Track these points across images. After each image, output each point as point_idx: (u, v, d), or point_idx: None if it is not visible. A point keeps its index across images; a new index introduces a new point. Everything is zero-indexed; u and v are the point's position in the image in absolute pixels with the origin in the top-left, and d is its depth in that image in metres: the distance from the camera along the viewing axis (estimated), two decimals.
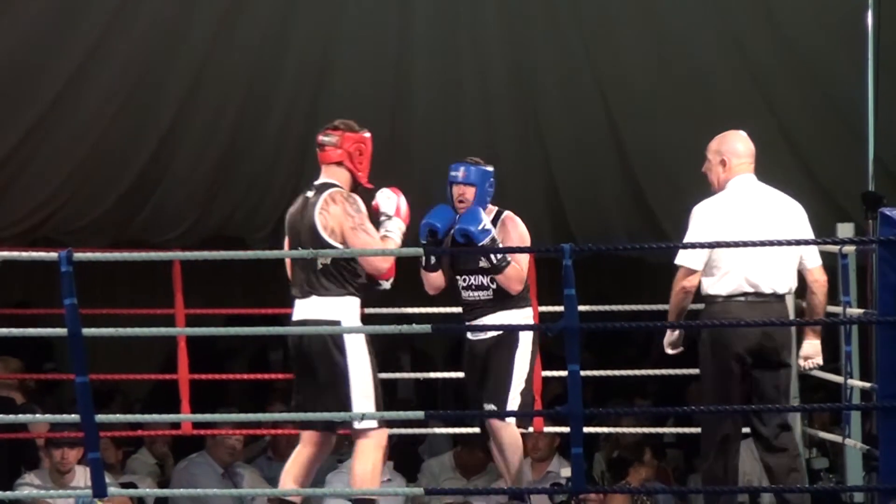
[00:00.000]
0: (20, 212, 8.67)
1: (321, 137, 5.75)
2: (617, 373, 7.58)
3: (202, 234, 9.11)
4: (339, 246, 5.55)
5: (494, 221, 6.16)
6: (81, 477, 7.04)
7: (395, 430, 7.45)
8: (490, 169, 6.21)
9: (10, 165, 8.54)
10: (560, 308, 5.06)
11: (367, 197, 5.76)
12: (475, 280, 6.14)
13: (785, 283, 5.73)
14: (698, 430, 7.68)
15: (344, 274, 5.58)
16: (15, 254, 5.25)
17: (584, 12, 8.66)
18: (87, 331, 4.95)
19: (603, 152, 9.21)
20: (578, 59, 8.82)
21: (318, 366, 5.59)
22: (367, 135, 5.78)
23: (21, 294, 9.97)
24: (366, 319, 7.71)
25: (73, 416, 5.00)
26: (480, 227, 5.96)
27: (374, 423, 5.59)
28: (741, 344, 5.64)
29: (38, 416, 5.23)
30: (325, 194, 5.63)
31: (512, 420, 6.08)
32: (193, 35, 8.46)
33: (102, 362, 7.95)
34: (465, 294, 6.15)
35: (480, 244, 5.94)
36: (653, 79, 8.80)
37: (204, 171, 8.94)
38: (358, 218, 5.58)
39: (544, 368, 6.96)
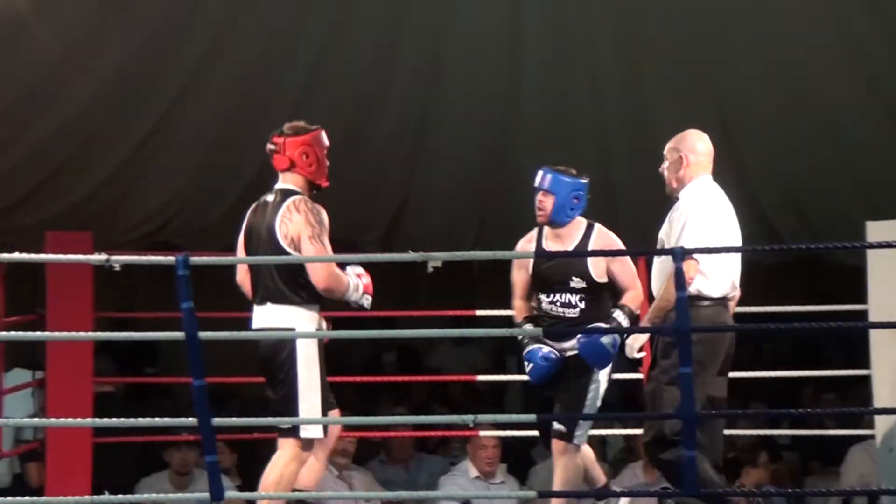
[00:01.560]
0: (138, 217, 8.80)
1: (268, 146, 5.75)
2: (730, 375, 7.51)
3: None
4: (295, 254, 5.54)
5: (587, 235, 6.02)
6: (199, 480, 7.15)
7: (508, 433, 7.47)
8: (581, 181, 6.05)
9: (128, 172, 8.67)
10: None
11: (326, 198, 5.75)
12: (563, 298, 6.03)
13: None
14: (814, 432, 7.63)
15: (299, 282, 5.55)
16: (133, 258, 5.33)
17: (696, 15, 8.59)
18: (203, 334, 5.02)
19: (718, 158, 9.12)
20: (690, 61, 8.75)
21: (270, 372, 5.59)
22: (316, 134, 5.75)
23: (125, 300, 10.12)
24: (476, 321, 7.76)
25: (190, 419, 5.06)
26: (606, 356, 5.86)
27: (319, 433, 5.57)
28: (726, 347, 5.65)
29: (157, 419, 5.30)
30: (289, 201, 5.61)
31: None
32: (306, 42, 8.53)
33: (218, 366, 8.05)
34: (551, 309, 6.05)
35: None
36: (764, 82, 8.71)
37: None
38: (317, 229, 5.55)
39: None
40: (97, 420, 6.36)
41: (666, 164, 5.81)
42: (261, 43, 8.49)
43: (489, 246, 8.69)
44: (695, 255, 5.47)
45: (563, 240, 6.04)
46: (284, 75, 8.62)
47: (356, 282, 5.64)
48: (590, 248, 5.99)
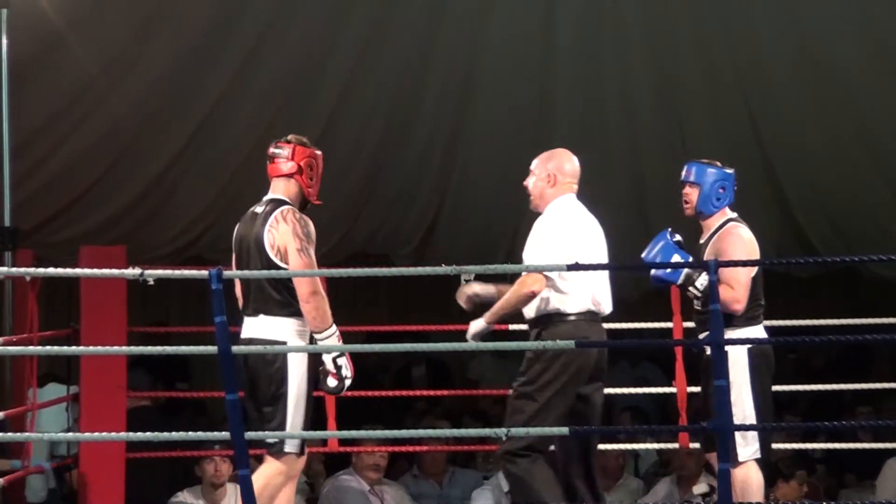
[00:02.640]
0: (171, 232, 8.83)
1: (272, 149, 5.66)
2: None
3: (347, 251, 9.21)
4: (284, 265, 5.46)
5: (718, 229, 5.91)
6: (233, 494, 7.15)
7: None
8: (726, 171, 5.99)
9: (161, 186, 8.71)
10: None
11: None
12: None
13: (610, 304, 5.78)
14: (849, 445, 7.58)
15: (292, 294, 5.46)
16: (167, 272, 5.35)
17: (728, 17, 8.56)
18: (236, 348, 5.03)
19: (749, 164, 9.09)
20: (723, 69, 8.73)
21: (257, 385, 5.47)
22: (319, 153, 5.70)
23: (160, 313, 10.17)
24: (509, 335, 7.74)
25: (223, 433, 5.07)
26: (668, 271, 5.74)
27: (295, 448, 5.47)
28: (589, 363, 5.66)
29: (190, 433, 5.31)
30: (277, 211, 5.55)
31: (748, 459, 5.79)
32: (339, 54, 8.56)
33: None
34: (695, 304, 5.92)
35: (678, 283, 5.75)
36: (797, 89, 8.68)
37: (349, 188, 9.03)
38: (305, 241, 5.48)
39: (689, 384, 6.91)
40: (131, 434, 6.38)
41: (533, 180, 5.88)
42: (292, 59, 8.53)
43: (522, 259, 8.70)
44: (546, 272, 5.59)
45: (705, 232, 6.01)
46: (316, 91, 8.65)
47: (337, 332, 5.50)
48: (710, 243, 5.92)
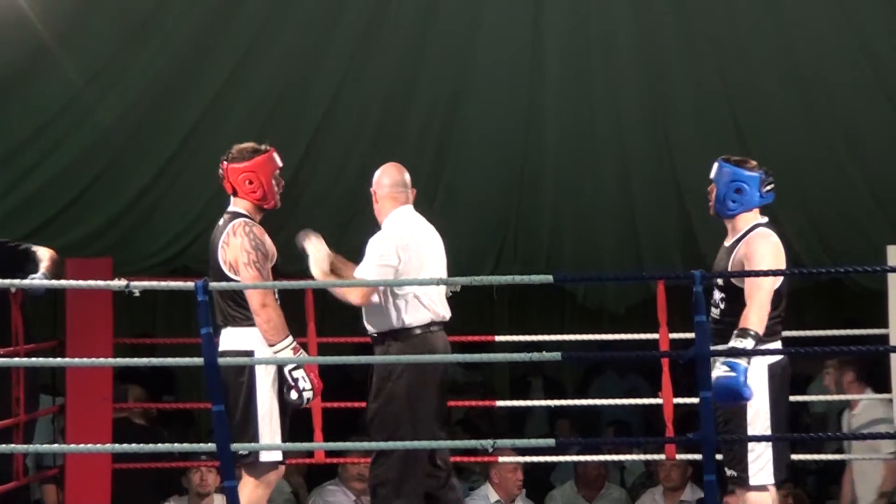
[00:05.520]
0: (158, 243, 8.82)
1: (219, 170, 5.72)
2: None
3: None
4: (236, 279, 5.48)
5: (745, 234, 5.57)
6: None
7: (527, 459, 7.45)
8: (744, 171, 5.64)
9: (148, 197, 8.71)
10: (691, 335, 5.04)
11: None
12: (713, 296, 5.56)
13: (448, 309, 5.86)
14: (835, 456, 7.59)
15: (247, 307, 5.49)
16: (153, 283, 5.35)
17: (717, 31, 8.58)
18: (222, 360, 5.04)
19: None
20: (710, 82, 8.74)
21: (227, 396, 5.43)
22: (260, 159, 5.69)
23: (146, 324, 10.15)
24: (493, 347, 7.75)
25: (209, 444, 5.07)
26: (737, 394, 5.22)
27: (277, 456, 5.49)
28: (439, 374, 5.74)
29: (176, 444, 5.31)
30: (230, 226, 5.58)
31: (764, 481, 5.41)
32: (327, 68, 8.57)
33: None
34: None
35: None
36: (784, 103, 8.70)
37: (337, 201, 9.03)
38: (253, 255, 5.49)
39: (675, 395, 6.92)
40: (117, 446, 6.37)
41: (377, 197, 6.00)
42: (279, 71, 8.53)
43: (509, 272, 8.70)
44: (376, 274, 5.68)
45: (730, 235, 5.67)
46: (305, 103, 8.65)
47: (293, 344, 5.50)
48: (736, 248, 5.60)
